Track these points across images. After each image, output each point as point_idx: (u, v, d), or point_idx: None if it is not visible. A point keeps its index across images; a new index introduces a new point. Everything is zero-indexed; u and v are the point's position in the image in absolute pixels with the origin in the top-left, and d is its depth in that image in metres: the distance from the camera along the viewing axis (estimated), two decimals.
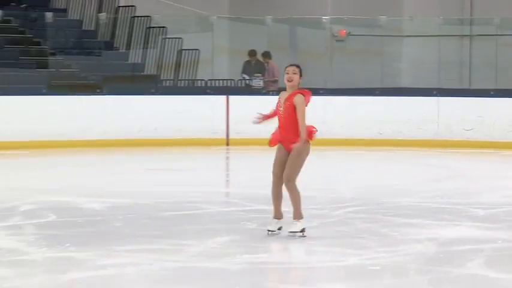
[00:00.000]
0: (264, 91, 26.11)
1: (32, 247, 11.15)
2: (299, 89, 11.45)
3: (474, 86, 27.28)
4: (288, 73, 11.31)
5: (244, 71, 27.03)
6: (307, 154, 11.35)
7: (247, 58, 27.18)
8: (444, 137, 23.44)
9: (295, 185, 11.20)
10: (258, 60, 26.99)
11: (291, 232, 11.09)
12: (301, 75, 11.39)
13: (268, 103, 25.15)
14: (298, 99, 11.29)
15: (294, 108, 11.19)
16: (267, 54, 27.05)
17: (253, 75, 26.67)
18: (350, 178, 18.72)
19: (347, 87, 26.26)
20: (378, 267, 10.27)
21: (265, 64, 26.76)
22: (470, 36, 29.75)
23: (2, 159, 20.71)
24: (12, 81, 24.21)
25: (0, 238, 11.53)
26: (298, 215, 11.12)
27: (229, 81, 27.11)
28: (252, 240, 11.87)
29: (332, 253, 11.04)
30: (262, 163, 21.36)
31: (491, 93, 25.11)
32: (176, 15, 27.93)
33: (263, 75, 26.55)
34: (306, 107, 11.38)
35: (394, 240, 11.78)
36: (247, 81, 26.59)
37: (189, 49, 27.59)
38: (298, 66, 11.44)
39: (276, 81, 26.42)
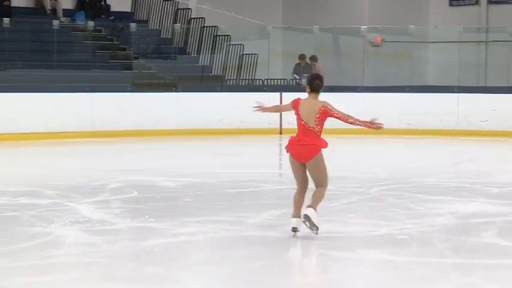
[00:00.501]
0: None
1: (117, 218, 11.21)
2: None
3: (489, 84, 27.01)
4: None
5: (294, 72, 26.91)
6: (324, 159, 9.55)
7: (297, 61, 27.04)
8: (463, 127, 23.24)
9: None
10: (306, 63, 26.84)
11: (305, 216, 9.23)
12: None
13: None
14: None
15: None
16: (314, 58, 26.89)
17: (302, 75, 26.52)
18: (383, 161, 18.58)
19: (381, 85, 26.07)
20: (406, 237, 10.21)
21: (312, 66, 26.61)
22: (486, 42, 29.44)
23: (93, 145, 20.74)
24: (102, 80, 24.29)
25: (90, 211, 11.54)
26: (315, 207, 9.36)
27: (282, 80, 27.00)
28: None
29: (368, 224, 10.97)
30: None
31: (504, 90, 24.96)
32: (238, 26, 27.81)
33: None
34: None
35: (420, 213, 11.69)
36: (297, 80, 26.46)
37: (249, 53, 27.51)
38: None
39: None
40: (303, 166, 9.53)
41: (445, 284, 7.94)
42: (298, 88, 26.00)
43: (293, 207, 9.55)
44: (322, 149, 9.47)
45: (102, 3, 27.49)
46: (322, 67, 26.83)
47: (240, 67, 27.44)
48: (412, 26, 29.87)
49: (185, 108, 23.35)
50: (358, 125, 9.70)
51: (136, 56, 26.37)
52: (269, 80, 27.11)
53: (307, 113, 9.02)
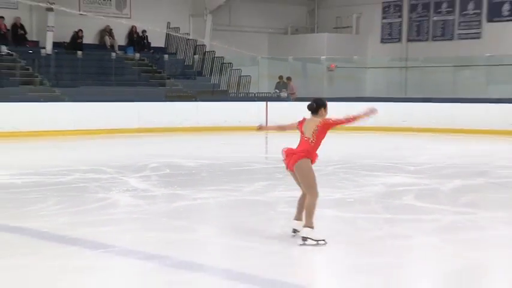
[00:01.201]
0: (286, 99, 25.97)
1: (155, 188, 11.17)
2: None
3: (408, 96, 26.95)
4: None
5: (276, 88, 26.89)
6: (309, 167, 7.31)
7: (277, 80, 27.05)
8: (390, 125, 23.24)
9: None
10: (283, 81, 26.82)
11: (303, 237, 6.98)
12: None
13: (289, 108, 25.02)
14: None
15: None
16: (289, 78, 26.87)
17: (281, 90, 26.53)
18: (337, 148, 18.56)
19: (335, 97, 26.01)
20: (352, 200, 10.20)
21: (288, 83, 26.62)
22: (406, 67, 29.40)
23: (138, 138, 20.70)
24: (145, 93, 24.31)
25: (137, 182, 11.52)
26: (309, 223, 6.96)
27: (267, 93, 26.93)
28: (280, 184, 11.80)
29: (325, 192, 10.94)
30: (288, 140, 21.20)
31: (418, 100, 24.92)
32: (238, 56, 27.75)
33: (286, 90, 26.41)
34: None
35: (361, 184, 11.67)
36: (277, 94, 26.46)
37: (244, 75, 27.46)
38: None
39: (294, 94, 26.38)
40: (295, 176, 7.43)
41: (378, 232, 7.94)
42: (278, 98, 26.02)
43: (295, 210, 7.46)
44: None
45: (145, 41, 27.49)
46: (294, 85, 26.92)
47: (238, 84, 27.44)
48: (356, 57, 29.92)
49: (201, 113, 23.41)
50: (359, 119, 7.88)
51: (168, 77, 26.37)
52: (258, 93, 27.10)
53: (308, 127, 7.24)
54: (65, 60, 24.70)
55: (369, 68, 30.35)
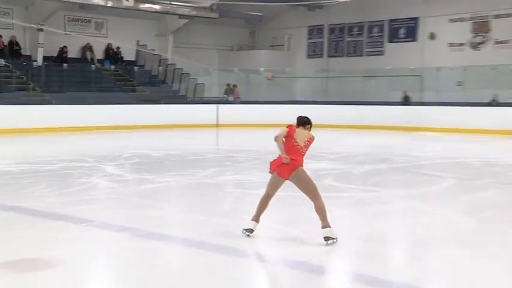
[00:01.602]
0: (233, 102, 25.93)
1: (127, 173, 11.05)
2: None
3: (329, 99, 27.17)
4: None
5: (224, 93, 26.81)
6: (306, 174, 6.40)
7: (226, 87, 27.00)
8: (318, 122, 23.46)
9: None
10: (230, 88, 26.80)
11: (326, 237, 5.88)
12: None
13: (235, 109, 24.97)
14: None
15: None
16: (235, 85, 26.85)
17: (229, 95, 26.49)
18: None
19: (272, 100, 26.07)
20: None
21: (234, 90, 26.61)
22: (327, 78, 29.68)
23: (113, 134, 20.43)
24: (119, 98, 23.89)
25: (112, 169, 11.40)
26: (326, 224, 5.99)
27: (218, 98, 26.83)
28: (228, 170, 11.78)
29: (264, 176, 10.97)
30: (235, 135, 21.19)
31: (339, 103, 25.15)
32: (194, 68, 27.62)
33: (232, 95, 26.39)
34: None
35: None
36: (226, 98, 26.39)
37: (199, 83, 27.40)
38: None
39: (238, 98, 26.47)
40: (282, 183, 6.45)
41: (306, 207, 7.98)
42: (226, 101, 25.98)
43: (255, 211, 6.29)
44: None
45: (119, 56, 27.21)
46: (239, 90, 26.94)
47: (194, 90, 27.32)
48: (288, 69, 30.12)
49: (165, 113, 23.29)
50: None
51: (138, 84, 26.12)
52: (210, 98, 27.01)
53: (300, 136, 6.27)
54: (53, 71, 24.38)
55: (298, 77, 30.58)
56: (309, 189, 6.23)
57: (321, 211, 6.05)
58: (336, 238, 5.90)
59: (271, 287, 4.91)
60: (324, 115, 23.99)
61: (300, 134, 6.38)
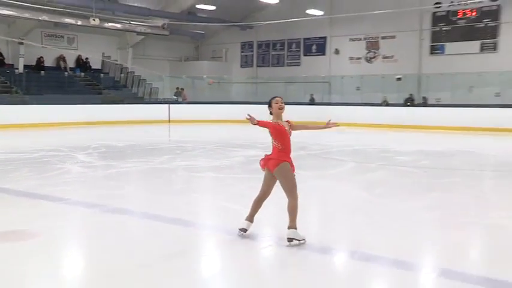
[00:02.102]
0: (181, 102, 25.57)
1: (95, 160, 10.72)
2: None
3: (259, 100, 27.25)
4: (277, 102, 5.21)
5: (175, 95, 26.38)
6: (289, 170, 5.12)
7: (176, 90, 26.61)
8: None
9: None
10: (179, 91, 26.45)
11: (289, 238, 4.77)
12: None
13: (183, 108, 24.64)
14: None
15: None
16: (182, 89, 26.55)
17: (178, 97, 26.11)
18: (217, 134, 18.38)
19: (214, 101, 25.88)
20: (224, 165, 10.23)
21: (182, 92, 26.27)
22: (256, 83, 29.76)
23: (84, 129, 19.81)
24: (88, 99, 23.15)
25: (83, 157, 11.05)
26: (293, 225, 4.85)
27: (169, 99, 26.40)
28: (179, 157, 11.64)
29: (207, 161, 10.90)
30: (184, 129, 20.90)
31: (265, 103, 25.24)
32: (150, 75, 27.08)
33: (181, 97, 26.02)
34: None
35: (230, 156, 11.70)
36: (176, 99, 25.98)
37: (154, 87, 26.94)
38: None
39: (186, 99, 26.14)
40: (274, 178, 5.16)
41: (241, 186, 8.01)
42: (176, 102, 25.60)
43: (249, 210, 5.14)
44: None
45: (88, 65, 26.42)
46: (186, 93, 26.64)
47: (150, 93, 26.84)
48: (225, 76, 29.99)
49: (126, 111, 22.73)
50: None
51: (104, 88, 25.44)
52: (163, 99, 26.51)
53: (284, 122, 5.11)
54: (33, 77, 23.38)
55: (233, 83, 30.51)
56: (288, 186, 4.99)
57: (292, 211, 4.88)
58: (304, 240, 4.77)
59: (212, 251, 4.91)
60: (254, 113, 24.07)
61: (284, 125, 5.15)
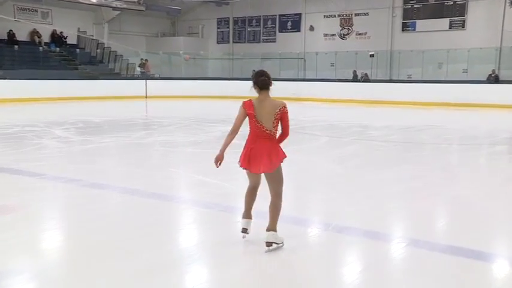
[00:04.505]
0: (143, 73, 25.20)
1: (72, 136, 10.55)
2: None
3: (235, 76, 27.08)
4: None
5: (139, 66, 25.82)
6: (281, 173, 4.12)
7: (140, 61, 26.12)
8: (232, 95, 23.36)
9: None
10: (143, 62, 25.95)
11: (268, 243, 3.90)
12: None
13: (160, 84, 24.27)
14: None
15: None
16: (146, 60, 26.21)
17: (141, 68, 25.63)
18: (191, 108, 18.23)
19: (189, 77, 25.62)
20: (201, 140, 10.18)
21: (145, 64, 25.84)
22: (233, 59, 29.51)
23: (59, 104, 19.43)
24: (64, 75, 22.71)
25: (60, 132, 10.87)
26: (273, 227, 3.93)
27: (139, 74, 26.10)
28: (155, 133, 11.52)
29: (185, 137, 10.83)
30: (160, 105, 20.67)
31: (240, 79, 25.13)
32: (126, 51, 26.56)
33: (143, 68, 25.59)
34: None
35: (207, 131, 11.64)
36: (138, 70, 25.63)
37: (131, 63, 26.45)
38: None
39: (149, 71, 25.73)
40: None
41: (210, 163, 7.99)
42: (155, 77, 25.26)
43: (244, 207, 4.16)
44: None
45: (63, 39, 25.76)
46: (149, 64, 26.12)
47: (127, 69, 26.40)
48: (202, 52, 29.66)
49: (103, 87, 22.30)
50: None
51: (80, 64, 24.87)
52: (139, 74, 26.16)
53: (264, 114, 3.90)
54: (6, 51, 22.73)
55: (210, 59, 30.22)
56: (277, 185, 4.00)
57: (275, 211, 3.97)
58: (282, 243, 3.97)
59: (188, 224, 4.92)
60: (230, 88, 24.05)
61: (264, 110, 3.89)
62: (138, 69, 25.58)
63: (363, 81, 23.18)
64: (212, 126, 12.65)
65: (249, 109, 3.92)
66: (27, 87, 20.03)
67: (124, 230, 4.47)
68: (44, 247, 4.16)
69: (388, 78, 23.75)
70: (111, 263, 3.72)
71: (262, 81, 3.90)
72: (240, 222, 4.21)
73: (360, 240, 4.32)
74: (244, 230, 4.12)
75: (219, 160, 4.04)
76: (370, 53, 23.69)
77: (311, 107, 19.87)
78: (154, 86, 23.71)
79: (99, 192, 5.92)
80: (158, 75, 25.86)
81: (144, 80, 23.89)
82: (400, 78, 23.47)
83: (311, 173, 7.24)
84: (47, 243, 4.25)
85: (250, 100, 3.96)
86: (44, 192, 5.86)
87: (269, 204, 3.98)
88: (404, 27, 25.12)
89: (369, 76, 23.57)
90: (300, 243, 4.19)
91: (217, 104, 21.26)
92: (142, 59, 26.46)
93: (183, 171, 7.41)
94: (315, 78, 24.84)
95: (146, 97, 23.20)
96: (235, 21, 30.51)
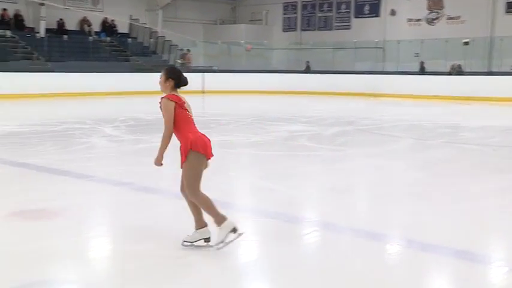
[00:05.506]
0: (182, 64, 25.21)
1: (123, 134, 10.95)
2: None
3: (302, 69, 27.04)
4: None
5: (180, 57, 26.30)
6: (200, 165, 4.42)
7: (181, 52, 26.73)
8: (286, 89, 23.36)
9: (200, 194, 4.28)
10: (184, 53, 26.37)
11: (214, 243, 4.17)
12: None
13: (219, 77, 24.66)
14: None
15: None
16: (189, 50, 26.72)
17: (180, 59, 25.88)
18: (252, 106, 18.39)
19: (251, 69, 25.87)
20: (264, 141, 10.26)
21: (186, 54, 26.16)
22: (300, 49, 29.44)
23: (109, 100, 20.20)
24: (114, 66, 23.68)
25: (110, 131, 11.30)
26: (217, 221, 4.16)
27: (203, 67, 26.58)
28: (213, 132, 11.69)
29: (246, 136, 10.98)
30: (219, 101, 20.92)
31: (309, 71, 25.00)
32: (181, 40, 27.24)
33: (184, 59, 25.92)
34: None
35: (270, 131, 11.73)
36: (177, 62, 25.72)
37: (186, 53, 27.13)
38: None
39: (189, 62, 26.12)
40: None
41: (282, 164, 8.00)
42: (212, 70, 25.69)
43: (214, 213, 4.20)
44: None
45: (114, 28, 26.86)
46: (190, 56, 26.61)
47: (182, 59, 27.12)
48: (265, 41, 29.87)
49: (156, 80, 22.81)
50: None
51: (131, 55, 25.78)
52: (197, 67, 26.70)
53: (189, 107, 4.47)
54: (55, 41, 23.99)
55: (274, 49, 30.33)
56: (187, 180, 4.37)
57: (200, 208, 4.26)
58: (192, 243, 4.20)
59: (248, 235, 4.92)
60: (297, 82, 24.00)
61: (186, 101, 4.45)
62: (178, 61, 26.12)
63: (455, 74, 22.40)
64: (276, 125, 12.68)
65: (179, 100, 4.29)
66: (76, 80, 21.01)
67: (177, 239, 4.55)
68: (91, 256, 4.32)
69: (486, 71, 22.77)
70: (163, 274, 3.80)
71: (185, 80, 4.45)
72: (223, 228, 4.13)
73: (450, 261, 4.15)
74: (234, 230, 4.17)
75: (158, 162, 4.45)
76: (464, 41, 22.82)
77: (391, 104, 19.48)
78: (212, 80, 24.11)
79: (151, 196, 6.08)
80: (216, 68, 26.28)
81: (201, 73, 24.35)
82: (501, 70, 22.40)
83: (389, 181, 7.07)
84: (94, 252, 4.40)
85: (172, 94, 4.34)
86: (91, 196, 6.08)
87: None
88: (510, 8, 23.96)
89: (463, 68, 22.73)
90: (378, 261, 4.09)
91: (282, 100, 21.31)
92: (183, 49, 27.02)
93: (242, 175, 7.47)
94: (396, 70, 24.29)
95: (203, 92, 23.65)
96: (304, 6, 30.43)
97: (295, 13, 30.80)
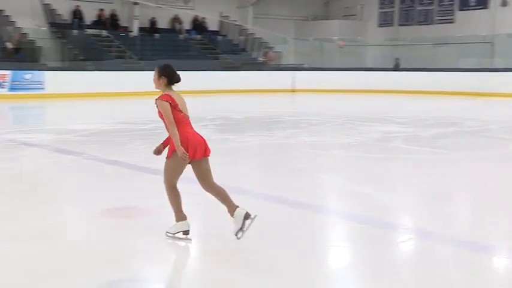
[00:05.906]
0: (263, 61, 25.98)
1: (211, 133, 10.89)
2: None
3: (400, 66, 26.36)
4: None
5: (263, 55, 26.72)
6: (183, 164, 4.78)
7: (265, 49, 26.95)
8: (400, 88, 22.82)
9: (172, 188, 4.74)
10: (267, 50, 26.68)
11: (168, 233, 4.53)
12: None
13: (310, 75, 24.56)
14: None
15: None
16: (272, 47, 27.00)
17: (262, 56, 26.18)
18: (344, 106, 18.17)
19: (344, 67, 25.52)
20: (356, 143, 10.12)
21: (268, 52, 26.28)
22: (397, 46, 28.77)
23: (198, 98, 20.71)
24: (204, 64, 24.26)
25: (198, 129, 11.50)
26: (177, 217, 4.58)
27: (294, 65, 26.61)
28: (304, 132, 11.65)
29: (338, 137, 10.88)
30: (309, 100, 20.89)
31: (407, 69, 24.40)
32: (272, 37, 27.48)
33: (265, 56, 26.19)
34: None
35: (363, 132, 11.56)
36: (261, 60, 26.16)
37: (276, 51, 27.36)
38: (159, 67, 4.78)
39: (271, 60, 26.44)
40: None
41: (376, 167, 7.84)
42: (304, 68, 25.65)
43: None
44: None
45: (204, 26, 27.62)
46: (273, 53, 26.82)
47: (264, 57, 27.37)
48: (359, 37, 29.51)
49: (245, 79, 23.29)
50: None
51: (221, 53, 26.41)
52: (287, 65, 26.78)
53: (183, 104, 4.67)
54: (147, 40, 25.13)
55: (369, 46, 29.85)
56: (167, 172, 4.82)
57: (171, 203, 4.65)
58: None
59: (337, 241, 4.86)
60: (393, 81, 23.44)
61: (182, 100, 4.67)
62: (260, 59, 26.26)
63: None
64: (369, 126, 12.48)
65: (172, 101, 4.53)
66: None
67: (264, 241, 4.58)
68: (176, 258, 4.45)
69: None
70: (250, 277, 3.84)
71: (178, 77, 4.69)
72: (236, 217, 4.49)
73: None
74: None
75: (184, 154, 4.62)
76: None
77: (498, 105, 18.55)
78: (303, 78, 24.12)
79: (239, 197, 6.14)
80: (307, 65, 26.28)
81: (292, 71, 24.44)
82: None
83: (498, 188, 6.72)
84: (179, 254, 4.53)
85: (166, 94, 4.59)
86: (182, 195, 6.25)
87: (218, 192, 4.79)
88: None
89: None
90: (482, 274, 3.91)
91: (376, 99, 20.91)
92: (267, 46, 27.16)
93: (333, 178, 7.40)
94: (507, 67, 23.05)
95: (293, 90, 23.72)
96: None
97: (392, 7, 30.11)
